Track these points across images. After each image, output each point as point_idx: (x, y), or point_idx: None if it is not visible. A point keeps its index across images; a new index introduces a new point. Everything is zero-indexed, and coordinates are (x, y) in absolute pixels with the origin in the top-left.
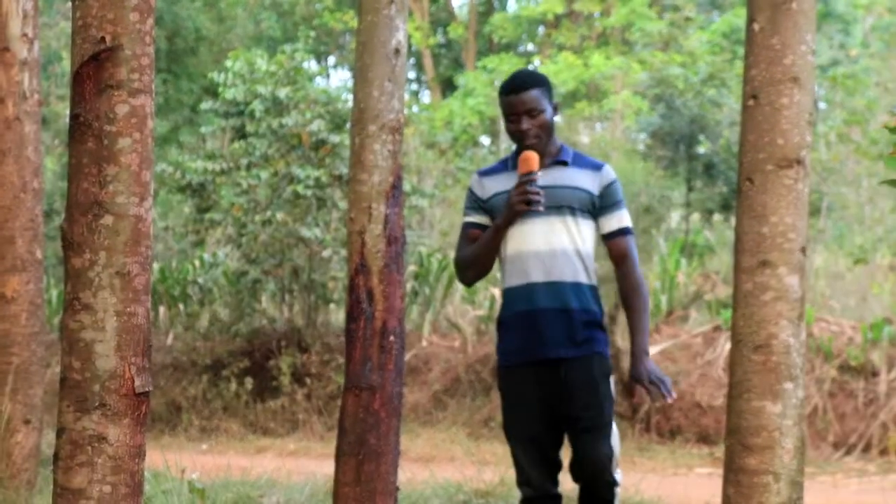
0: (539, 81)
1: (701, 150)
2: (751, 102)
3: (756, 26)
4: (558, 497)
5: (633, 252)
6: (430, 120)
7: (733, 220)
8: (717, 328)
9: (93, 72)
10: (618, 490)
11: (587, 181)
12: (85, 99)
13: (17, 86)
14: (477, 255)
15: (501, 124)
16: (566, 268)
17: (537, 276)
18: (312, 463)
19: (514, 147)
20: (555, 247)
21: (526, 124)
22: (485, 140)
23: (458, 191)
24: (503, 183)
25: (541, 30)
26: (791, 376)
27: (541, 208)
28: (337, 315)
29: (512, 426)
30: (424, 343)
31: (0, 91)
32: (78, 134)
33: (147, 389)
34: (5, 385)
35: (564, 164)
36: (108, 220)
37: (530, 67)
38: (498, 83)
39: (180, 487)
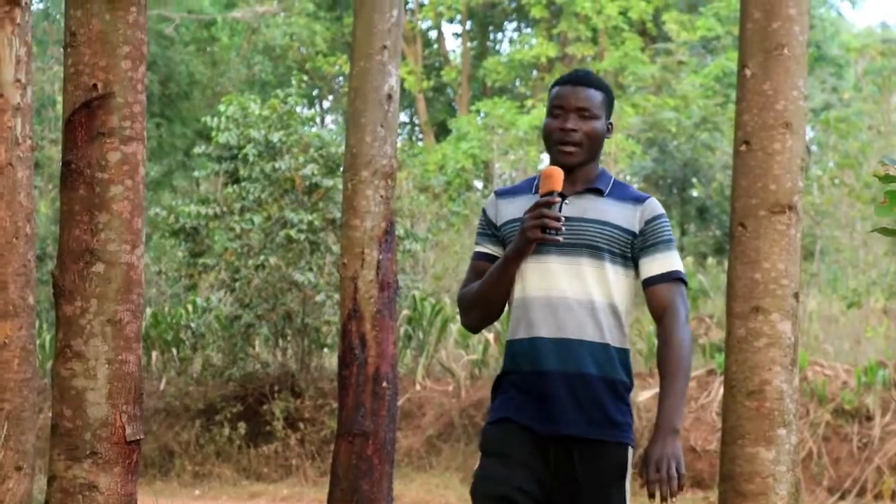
0: (605, 87)
1: (694, 193)
2: (743, 148)
3: (748, 72)
4: None
5: (679, 304)
6: (423, 164)
7: (727, 264)
8: (711, 372)
9: (85, 119)
10: None
11: (625, 217)
12: (77, 146)
13: (9, 131)
14: (482, 294)
15: (496, 168)
16: (585, 322)
17: (546, 330)
18: None
19: (540, 167)
20: (573, 295)
21: (572, 123)
22: (478, 184)
23: (452, 235)
24: (522, 207)
25: (534, 73)
26: (784, 422)
27: (559, 238)
28: (331, 359)
29: (482, 481)
30: (418, 387)
31: None
32: (70, 181)
33: (138, 437)
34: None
35: (599, 192)
36: (99, 267)
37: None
38: (491, 127)
39: None
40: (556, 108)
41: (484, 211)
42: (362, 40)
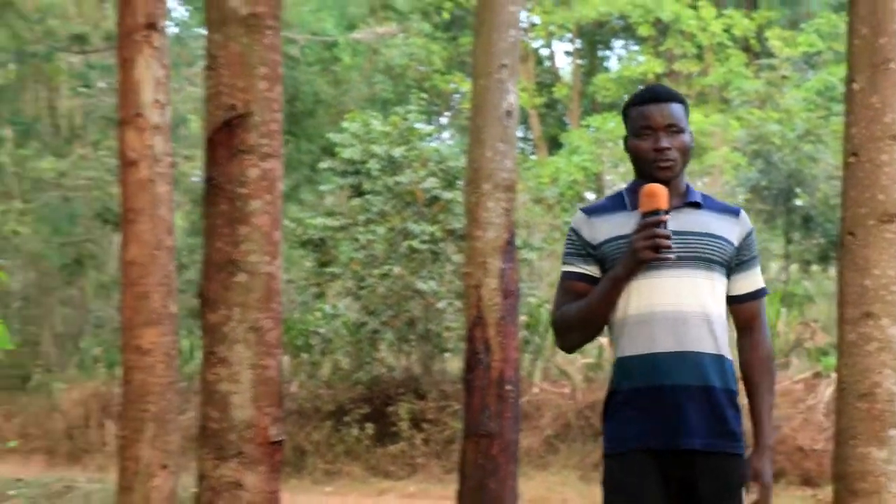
0: (681, 98)
1: (798, 203)
2: (851, 159)
3: (856, 86)
4: None
5: (765, 319)
6: (537, 176)
7: (831, 271)
8: (817, 374)
9: (225, 138)
10: None
11: (727, 228)
12: (218, 163)
13: (149, 149)
14: (587, 314)
15: (606, 180)
16: (705, 335)
17: (666, 345)
18: None
19: (624, 185)
20: (690, 308)
21: (665, 142)
22: (590, 195)
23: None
24: (621, 225)
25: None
26: (895, 423)
27: (671, 256)
28: (452, 363)
29: None
30: (536, 390)
31: (134, 154)
32: (212, 196)
33: (281, 438)
34: (144, 432)
35: (697, 205)
36: (241, 277)
37: None
38: (601, 140)
39: None
40: (645, 129)
41: (575, 231)
42: (482, 59)
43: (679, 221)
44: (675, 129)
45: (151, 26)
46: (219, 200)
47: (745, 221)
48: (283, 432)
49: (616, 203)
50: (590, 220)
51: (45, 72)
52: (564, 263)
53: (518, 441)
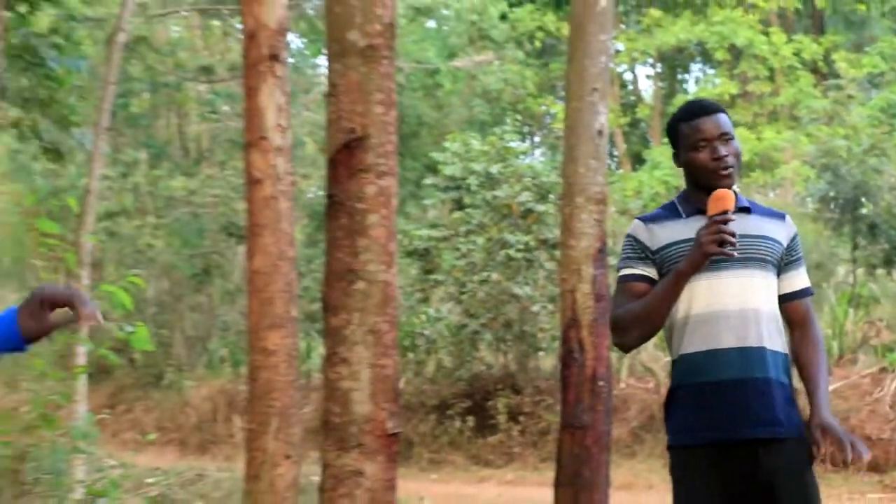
0: (723, 108)
1: (864, 211)
2: None
3: None
4: None
5: (815, 314)
6: (622, 189)
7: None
8: (883, 369)
9: (345, 158)
10: None
11: (778, 231)
12: (339, 182)
13: (273, 169)
14: (649, 311)
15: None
16: (763, 331)
17: (728, 341)
18: (528, 491)
19: (676, 195)
20: (750, 306)
21: (723, 150)
22: None
23: None
24: (679, 231)
25: None
26: None
27: (734, 253)
28: (545, 361)
29: None
30: (623, 385)
31: (259, 174)
32: (333, 211)
33: (397, 431)
34: (269, 426)
35: (748, 210)
36: (360, 285)
37: None
38: None
39: None
40: (701, 142)
41: (633, 237)
42: (575, 84)
43: (735, 225)
44: (727, 136)
45: (274, 58)
46: (339, 215)
47: (791, 224)
48: (399, 425)
49: (670, 212)
50: (648, 227)
51: (175, 100)
52: (624, 268)
53: (609, 432)
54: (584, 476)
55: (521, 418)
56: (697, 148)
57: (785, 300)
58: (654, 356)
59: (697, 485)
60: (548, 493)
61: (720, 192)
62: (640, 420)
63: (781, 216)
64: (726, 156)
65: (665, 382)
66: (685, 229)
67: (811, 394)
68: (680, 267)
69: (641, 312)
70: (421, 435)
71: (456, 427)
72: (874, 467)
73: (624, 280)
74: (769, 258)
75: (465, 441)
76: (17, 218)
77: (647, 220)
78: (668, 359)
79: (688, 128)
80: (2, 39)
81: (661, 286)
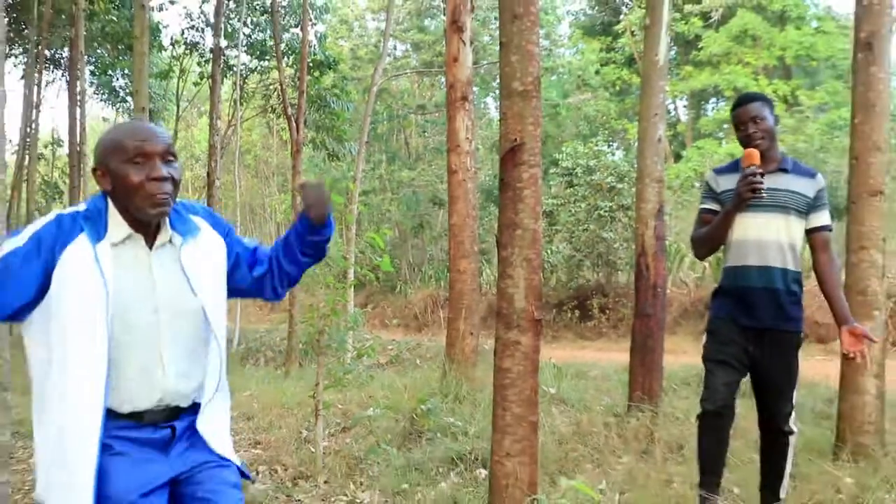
0: (761, 96)
1: None
2: None
3: None
4: (734, 410)
5: (832, 243)
6: (668, 175)
7: None
8: None
9: (510, 157)
10: (793, 438)
11: (805, 186)
12: (507, 170)
13: (463, 164)
14: (710, 235)
15: (708, 175)
16: (777, 255)
17: (753, 261)
18: (610, 355)
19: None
20: (770, 238)
21: (752, 128)
22: (696, 184)
23: (684, 212)
24: (733, 181)
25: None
26: None
27: (763, 195)
28: (621, 277)
29: (711, 352)
30: (669, 291)
31: (455, 167)
32: (503, 188)
33: (541, 318)
34: (460, 315)
35: (785, 171)
36: (519, 231)
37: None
38: (705, 154)
39: (548, 367)
40: (740, 124)
41: (707, 182)
42: (645, 111)
43: (771, 181)
44: (757, 119)
45: (465, 98)
46: (507, 190)
47: (820, 181)
48: (541, 315)
49: (733, 166)
50: (716, 177)
51: (403, 125)
52: (701, 202)
53: (664, 319)
54: (648, 345)
55: (607, 311)
56: (738, 128)
57: (810, 233)
58: (686, 274)
59: (722, 333)
60: (622, 357)
61: (749, 150)
62: (678, 312)
63: (812, 174)
64: (754, 132)
65: (693, 290)
66: (737, 178)
67: (832, 306)
68: (727, 208)
69: (706, 236)
70: (547, 321)
71: (567, 316)
72: (819, 339)
73: (700, 212)
74: (791, 206)
75: (572, 325)
76: None
77: (717, 171)
78: (696, 275)
79: (733, 115)
80: (305, 92)
81: (717, 219)
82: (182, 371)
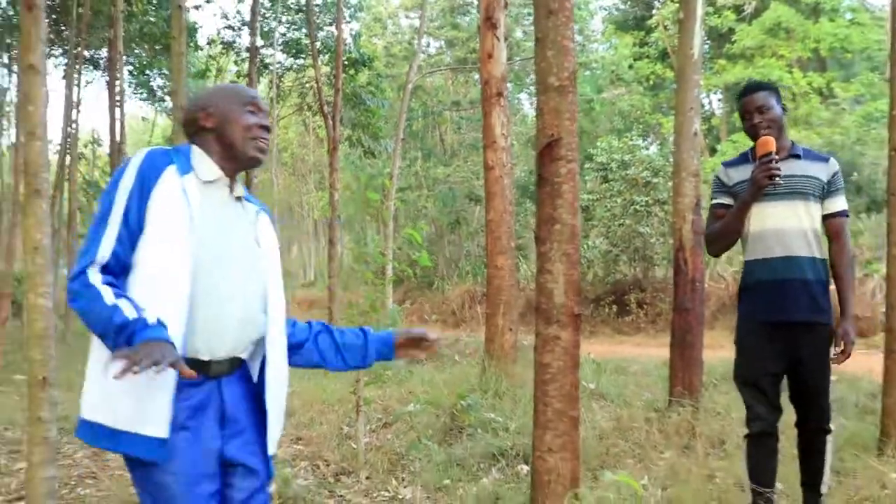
0: (766, 86)
1: (854, 178)
2: None
3: None
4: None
5: (848, 230)
6: (704, 169)
7: None
8: (866, 275)
9: (547, 151)
10: (830, 437)
11: (819, 171)
12: (544, 165)
13: (500, 160)
14: (725, 230)
15: None
16: (803, 245)
17: (778, 252)
18: (648, 350)
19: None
20: (792, 226)
21: (758, 118)
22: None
23: None
24: (744, 173)
25: None
26: None
27: (780, 181)
28: (658, 271)
29: (743, 373)
30: (706, 286)
31: (491, 163)
32: (541, 184)
33: (580, 312)
34: (499, 311)
35: (798, 157)
36: (558, 226)
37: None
38: (739, 148)
39: (587, 362)
40: (745, 115)
41: (717, 177)
42: (680, 105)
43: (785, 168)
44: (763, 108)
45: (500, 94)
46: (545, 185)
47: (833, 165)
48: (581, 309)
49: (744, 158)
50: (726, 170)
51: (438, 122)
52: (713, 198)
53: (703, 313)
54: (688, 340)
55: (645, 306)
56: (744, 118)
57: (826, 219)
58: (723, 268)
59: (753, 348)
60: (661, 352)
61: (764, 138)
62: (717, 306)
63: (826, 159)
64: (760, 122)
65: (731, 283)
66: (750, 171)
67: (840, 301)
68: (743, 198)
69: (722, 230)
70: (585, 317)
71: (605, 311)
72: (861, 333)
73: (713, 208)
74: (809, 191)
75: (610, 320)
76: (356, 191)
77: (727, 165)
78: (734, 269)
79: (739, 105)
80: (340, 90)
81: (731, 211)
82: (249, 318)
